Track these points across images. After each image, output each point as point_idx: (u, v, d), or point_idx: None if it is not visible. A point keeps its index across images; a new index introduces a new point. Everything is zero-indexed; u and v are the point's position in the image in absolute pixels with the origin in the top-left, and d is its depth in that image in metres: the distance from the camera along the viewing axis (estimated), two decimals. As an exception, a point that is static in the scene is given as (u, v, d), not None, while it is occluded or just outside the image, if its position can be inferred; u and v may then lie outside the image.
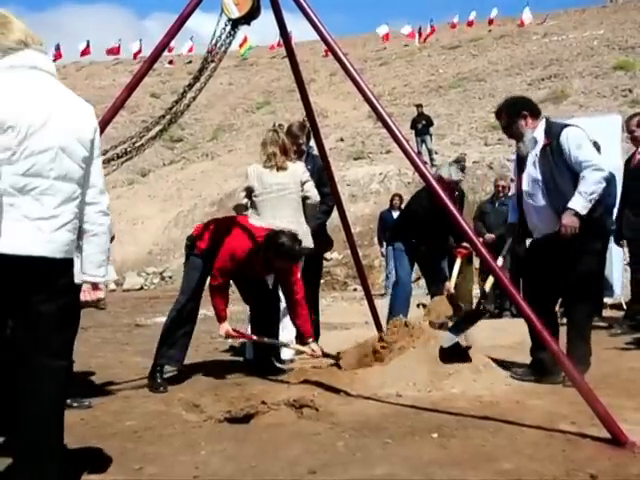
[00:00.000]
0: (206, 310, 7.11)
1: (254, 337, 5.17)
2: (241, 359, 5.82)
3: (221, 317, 4.96)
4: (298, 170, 5.52)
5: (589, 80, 26.58)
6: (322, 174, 5.88)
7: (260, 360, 5.30)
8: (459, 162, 8.83)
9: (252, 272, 5.01)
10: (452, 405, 4.01)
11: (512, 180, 9.85)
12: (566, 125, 4.69)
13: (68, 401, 4.18)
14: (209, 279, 4.98)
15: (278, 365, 5.31)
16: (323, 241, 6.28)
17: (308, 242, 5.47)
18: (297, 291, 5.04)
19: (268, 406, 4.03)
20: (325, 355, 5.00)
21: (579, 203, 4.40)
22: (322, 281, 15.00)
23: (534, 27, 39.86)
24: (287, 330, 5.51)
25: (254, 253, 4.84)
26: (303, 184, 5.51)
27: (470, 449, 3.23)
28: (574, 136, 4.58)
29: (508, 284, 3.71)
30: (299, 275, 5.10)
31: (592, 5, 43.66)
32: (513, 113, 4.85)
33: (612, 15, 38.28)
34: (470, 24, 43.55)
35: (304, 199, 5.53)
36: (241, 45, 42.23)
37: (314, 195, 5.57)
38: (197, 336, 7.04)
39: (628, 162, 7.09)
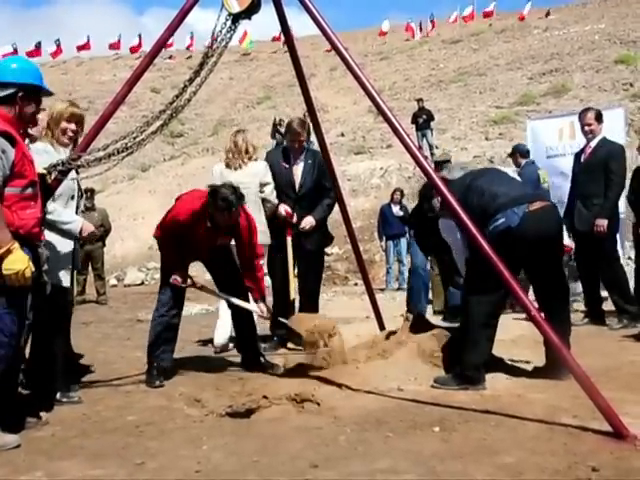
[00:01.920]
0: (207, 305, 7.11)
1: (205, 287, 5.19)
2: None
3: (175, 269, 5.00)
4: (260, 170, 5.82)
5: (590, 74, 26.52)
6: (324, 168, 5.91)
7: (247, 356, 5.31)
8: (518, 152, 9.05)
9: (200, 236, 4.93)
10: (453, 399, 4.01)
11: None
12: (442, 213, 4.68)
13: (57, 396, 4.21)
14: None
15: (264, 361, 5.30)
16: (323, 236, 6.31)
17: (266, 239, 5.74)
18: (256, 254, 5.13)
19: (269, 401, 4.03)
20: (274, 318, 5.20)
21: None
22: (323, 276, 15.08)
23: (535, 21, 39.77)
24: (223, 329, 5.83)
25: (198, 213, 4.84)
26: (263, 185, 5.79)
27: (471, 443, 3.23)
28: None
29: (509, 278, 3.70)
30: (258, 240, 5.18)
31: (593, -1, 43.54)
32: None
33: (613, 9, 38.17)
34: (471, 17, 43.49)
35: (263, 200, 5.81)
36: (241, 40, 42.25)
37: (273, 198, 5.89)
38: (198, 330, 7.08)
39: (578, 156, 7.13)
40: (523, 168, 8.56)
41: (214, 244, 5.05)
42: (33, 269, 3.41)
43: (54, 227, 4.23)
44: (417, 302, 6.34)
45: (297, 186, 6.03)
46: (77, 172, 4.43)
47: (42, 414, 3.84)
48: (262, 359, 5.28)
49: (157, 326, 5.00)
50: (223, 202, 4.72)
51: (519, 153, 8.87)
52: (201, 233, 4.90)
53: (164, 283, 5.08)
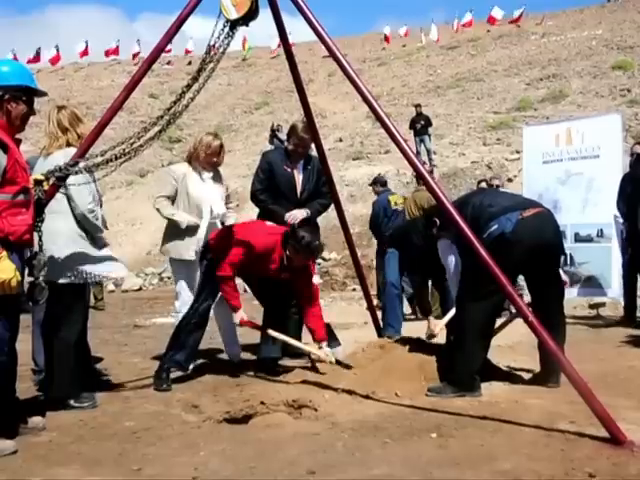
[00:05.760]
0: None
1: (269, 330, 5.08)
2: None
3: (235, 306, 4.97)
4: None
5: (587, 80, 26.62)
6: (321, 173, 5.93)
7: (262, 361, 5.32)
8: (379, 181, 10.59)
9: (268, 271, 4.98)
10: (451, 405, 4.01)
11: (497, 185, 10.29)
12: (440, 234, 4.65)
13: (72, 402, 4.22)
14: (217, 270, 4.94)
15: (279, 366, 5.31)
16: None
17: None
18: (313, 293, 5.08)
19: (267, 407, 4.03)
20: (337, 362, 4.88)
21: None
22: (321, 281, 15.07)
23: (533, 27, 39.87)
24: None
25: (271, 250, 4.86)
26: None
27: (469, 449, 3.23)
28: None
29: (506, 283, 3.70)
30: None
31: (591, 5, 43.66)
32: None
33: (610, 15, 38.31)
34: (469, 24, 43.54)
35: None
36: (243, 46, 42.50)
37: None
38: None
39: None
40: (380, 195, 10.20)
41: (278, 278, 5.05)
42: (19, 278, 3.42)
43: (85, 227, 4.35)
44: (393, 322, 6.33)
45: (299, 192, 5.90)
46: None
47: (39, 419, 3.83)
48: (276, 365, 5.32)
49: (185, 326, 5.04)
50: (308, 246, 4.73)
51: (379, 183, 10.60)
52: (271, 269, 4.93)
53: (203, 296, 5.08)
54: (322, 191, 5.96)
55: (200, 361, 5.74)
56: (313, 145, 5.71)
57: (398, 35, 44.39)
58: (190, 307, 5.12)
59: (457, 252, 4.50)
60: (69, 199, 4.29)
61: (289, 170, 5.91)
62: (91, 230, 4.39)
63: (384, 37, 44.33)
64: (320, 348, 4.94)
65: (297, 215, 5.72)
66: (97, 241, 4.45)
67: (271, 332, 5.04)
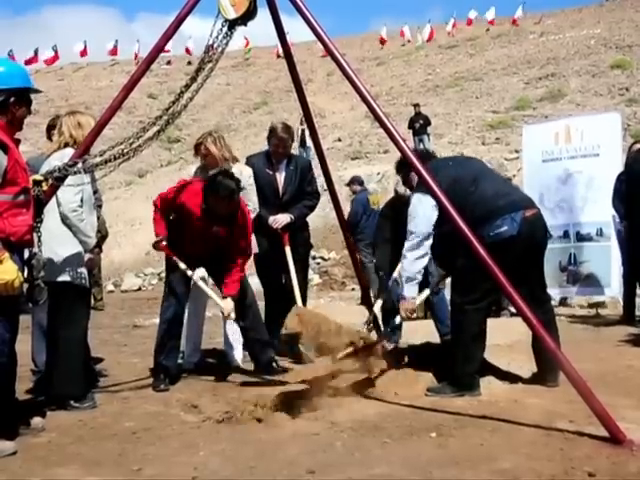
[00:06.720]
0: (206, 311, 7.06)
1: (189, 272, 5.05)
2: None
3: (157, 233, 5.06)
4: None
5: (586, 79, 26.61)
6: (306, 174, 5.98)
7: (260, 361, 5.31)
8: (357, 181, 11.18)
9: (195, 223, 4.92)
10: (450, 404, 4.01)
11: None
12: (420, 188, 4.41)
13: (72, 402, 4.21)
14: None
15: (278, 366, 5.32)
16: (308, 241, 6.28)
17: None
18: (241, 259, 5.06)
19: (266, 406, 4.02)
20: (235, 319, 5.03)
21: (403, 289, 4.55)
22: (320, 281, 15.08)
23: (531, 26, 39.86)
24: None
25: (193, 197, 4.87)
26: None
27: (468, 448, 3.23)
28: (411, 205, 4.48)
29: (505, 282, 3.70)
30: (251, 244, 5.16)
31: (589, 4, 43.65)
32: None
33: (609, 14, 38.28)
34: (469, 23, 43.48)
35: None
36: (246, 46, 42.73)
37: None
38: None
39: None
40: (358, 194, 10.82)
41: (208, 232, 4.94)
42: (22, 279, 3.43)
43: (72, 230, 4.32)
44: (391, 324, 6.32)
45: (280, 193, 5.93)
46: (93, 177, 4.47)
47: (39, 420, 3.83)
48: (274, 364, 5.31)
49: (161, 331, 5.06)
50: (225, 190, 4.70)
51: (357, 182, 11.16)
52: (195, 219, 4.89)
53: (168, 290, 5.12)
54: (307, 191, 5.99)
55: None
56: (312, 145, 5.72)
57: (396, 35, 44.31)
58: (162, 307, 5.14)
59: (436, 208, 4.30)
60: (56, 197, 4.26)
61: (270, 173, 5.96)
62: (74, 231, 4.30)
63: (380, 40, 44.33)
64: (224, 299, 4.96)
65: (280, 219, 5.77)
66: (82, 244, 4.37)
67: (191, 273, 5.03)
